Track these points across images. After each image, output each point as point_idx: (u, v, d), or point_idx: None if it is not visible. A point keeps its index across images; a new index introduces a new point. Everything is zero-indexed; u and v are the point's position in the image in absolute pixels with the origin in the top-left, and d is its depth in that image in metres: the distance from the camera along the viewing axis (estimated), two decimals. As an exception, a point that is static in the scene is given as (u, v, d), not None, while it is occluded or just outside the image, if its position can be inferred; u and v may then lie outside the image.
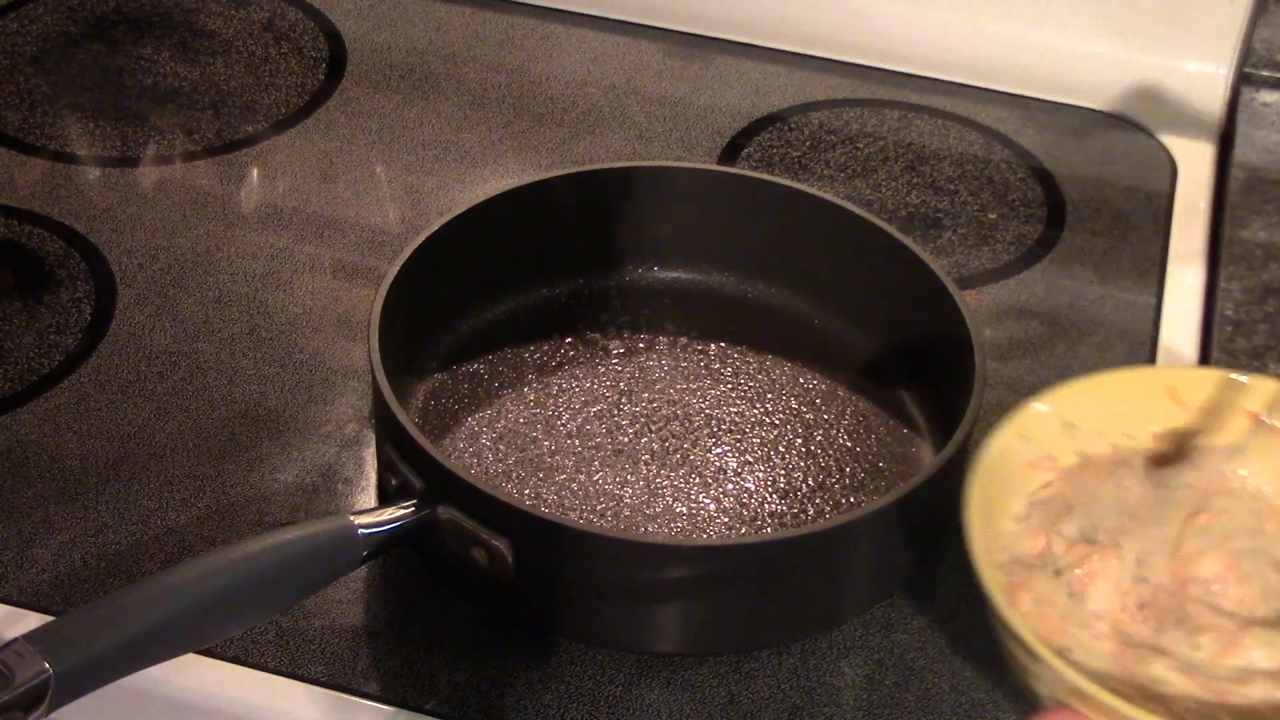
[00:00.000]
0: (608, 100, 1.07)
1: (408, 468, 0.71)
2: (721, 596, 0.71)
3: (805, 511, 0.77)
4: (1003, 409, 0.67)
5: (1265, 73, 1.07)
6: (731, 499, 0.78)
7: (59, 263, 0.91)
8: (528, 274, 0.87)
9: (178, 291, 0.90)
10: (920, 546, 0.73)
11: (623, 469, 0.79)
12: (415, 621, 0.73)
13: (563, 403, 0.82)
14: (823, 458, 0.80)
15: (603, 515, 0.76)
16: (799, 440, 0.81)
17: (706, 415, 0.82)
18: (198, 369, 0.85)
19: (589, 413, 0.82)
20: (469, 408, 0.82)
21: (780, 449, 0.80)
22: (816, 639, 0.73)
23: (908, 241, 0.82)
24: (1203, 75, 1.07)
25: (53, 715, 0.58)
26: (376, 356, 0.73)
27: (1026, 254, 0.96)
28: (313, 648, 0.71)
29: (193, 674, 0.69)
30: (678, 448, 0.80)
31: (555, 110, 1.06)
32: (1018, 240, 0.97)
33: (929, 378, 0.82)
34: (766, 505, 0.77)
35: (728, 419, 0.82)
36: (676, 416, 0.82)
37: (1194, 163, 1.05)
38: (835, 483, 0.79)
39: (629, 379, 0.84)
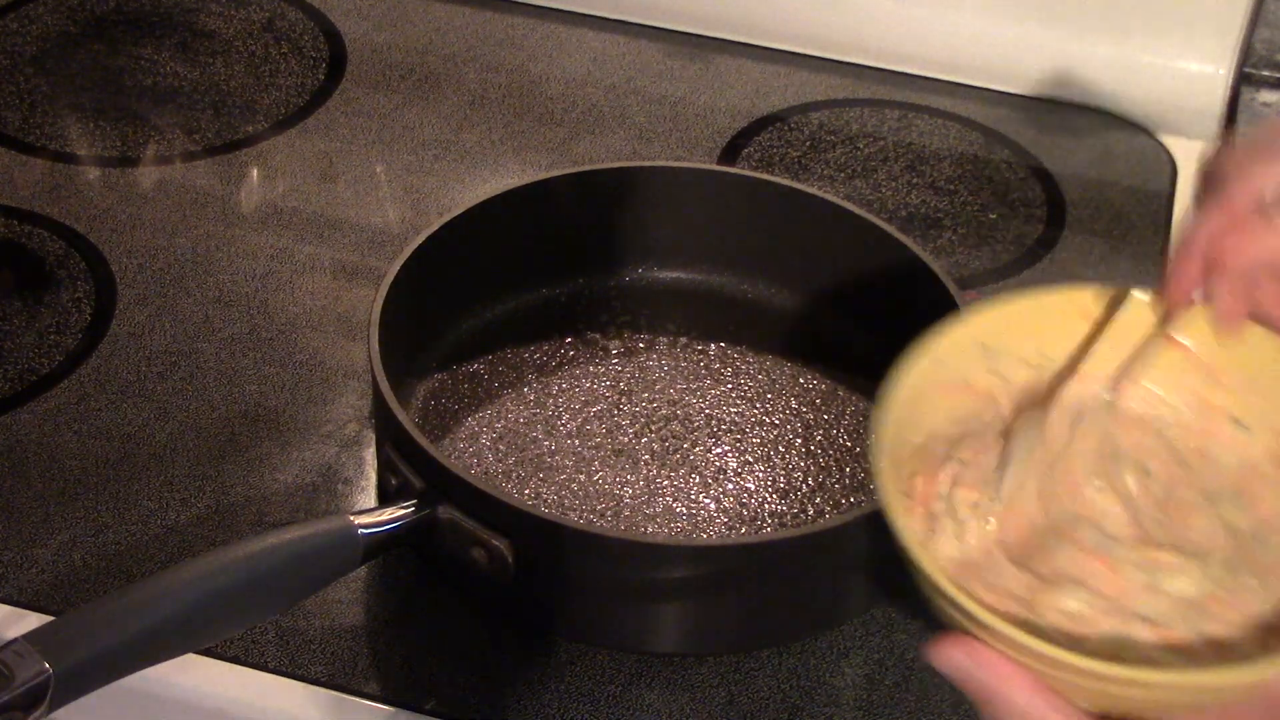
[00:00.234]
0: (608, 100, 1.07)
1: (408, 468, 0.71)
2: (721, 596, 0.71)
3: (805, 511, 0.77)
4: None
5: (1265, 73, 1.07)
6: (731, 499, 0.78)
7: (59, 263, 0.91)
8: (528, 274, 0.87)
9: (178, 291, 0.90)
10: (920, 546, 0.73)
11: (623, 469, 0.79)
12: (415, 621, 0.73)
13: (563, 403, 0.82)
14: (823, 458, 0.80)
15: (603, 515, 0.76)
16: (799, 440, 0.81)
17: (706, 415, 0.82)
18: (198, 369, 0.85)
19: (589, 413, 0.82)
20: (469, 408, 0.82)
21: (780, 449, 0.80)
22: (816, 639, 0.73)
23: (908, 241, 0.82)
24: (1203, 75, 1.07)
25: (53, 715, 0.58)
26: (376, 356, 0.73)
27: (1026, 254, 0.96)
28: (313, 648, 0.71)
29: (193, 674, 0.69)
30: (678, 448, 0.80)
31: (555, 110, 1.06)
32: (1018, 240, 0.97)
33: (929, 378, 0.82)
34: (766, 505, 0.77)
35: (728, 419, 0.82)
36: (676, 416, 0.82)
37: (1194, 163, 1.04)
38: (835, 483, 0.79)
39: (629, 379, 0.84)
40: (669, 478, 0.78)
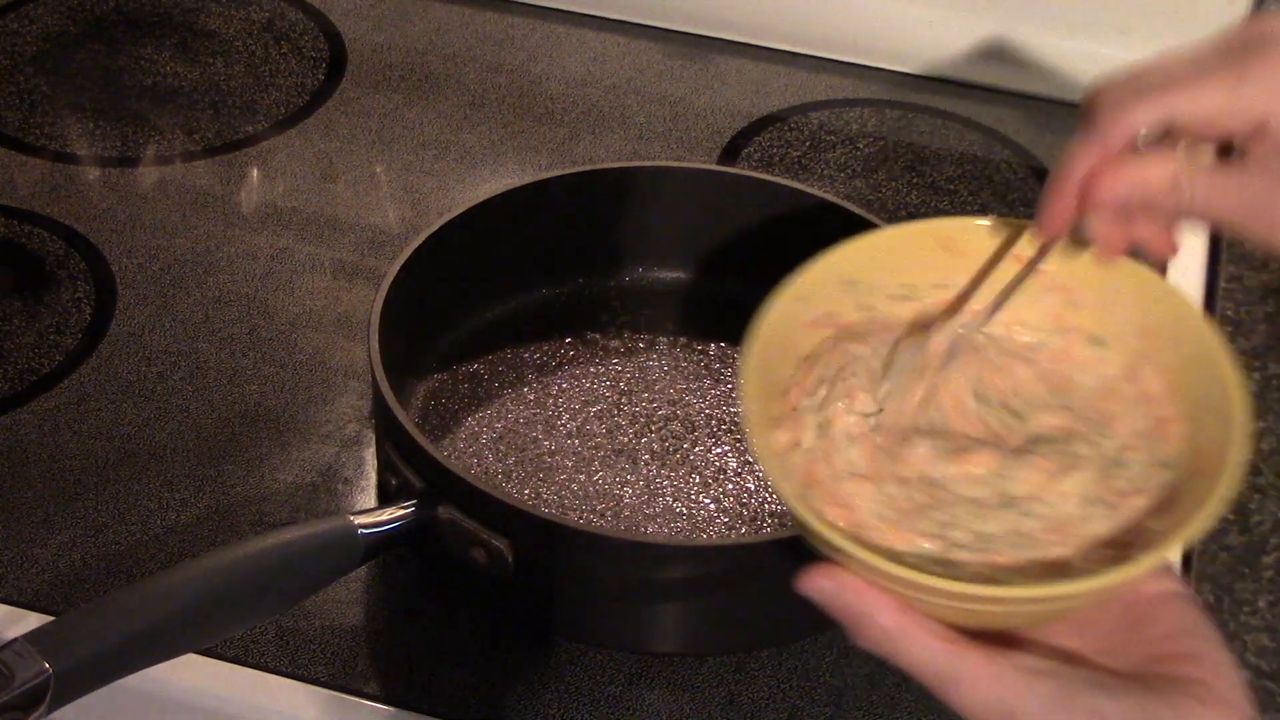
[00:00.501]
0: (608, 100, 1.07)
1: (408, 468, 0.71)
2: (721, 596, 0.71)
3: (805, 511, 0.77)
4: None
5: (1265, 73, 1.06)
6: (731, 499, 0.78)
7: (59, 263, 0.91)
8: (528, 274, 0.87)
9: (178, 291, 0.90)
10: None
11: (623, 469, 0.79)
12: (415, 621, 0.73)
13: (563, 403, 0.82)
14: (823, 458, 0.80)
15: (603, 515, 0.76)
16: (799, 440, 0.81)
17: (706, 415, 0.82)
18: (198, 369, 0.85)
19: (589, 413, 0.82)
20: (469, 408, 0.82)
21: (780, 449, 0.80)
22: (816, 639, 0.73)
23: (908, 241, 0.82)
24: (1203, 75, 1.07)
25: (53, 715, 0.58)
26: (376, 356, 0.73)
27: (1026, 254, 0.96)
28: (313, 648, 0.71)
29: (193, 674, 0.69)
30: (678, 448, 0.80)
31: (555, 110, 1.06)
32: (1018, 240, 0.97)
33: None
34: (766, 505, 0.77)
35: (728, 419, 0.82)
36: (676, 416, 0.82)
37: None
38: (835, 483, 0.79)
39: (629, 379, 0.84)
40: (669, 478, 0.78)
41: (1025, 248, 0.57)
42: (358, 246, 0.94)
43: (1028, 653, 0.48)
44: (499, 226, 0.84)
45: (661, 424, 0.81)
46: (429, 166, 1.00)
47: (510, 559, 0.69)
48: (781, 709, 0.70)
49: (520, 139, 1.03)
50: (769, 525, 0.76)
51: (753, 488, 0.78)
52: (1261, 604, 0.77)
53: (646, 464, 0.79)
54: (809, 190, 0.87)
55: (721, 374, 0.84)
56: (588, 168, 0.89)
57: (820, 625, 0.73)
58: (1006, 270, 0.57)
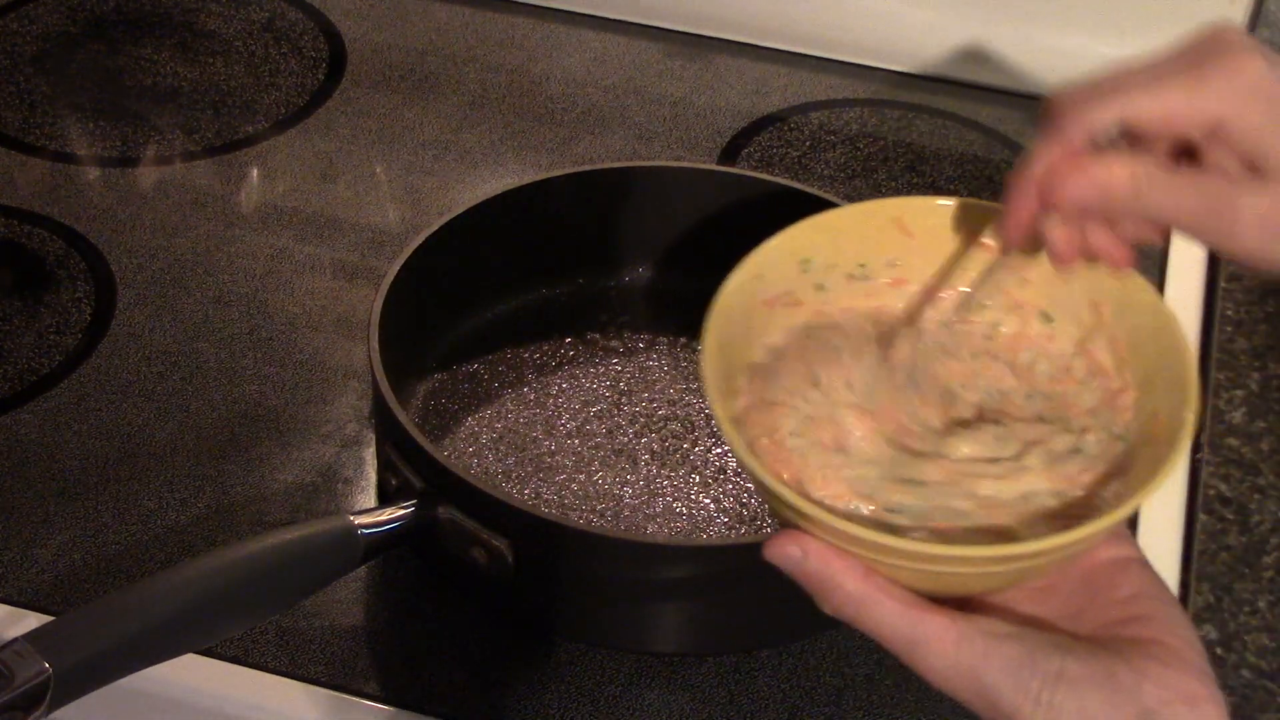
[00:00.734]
0: (608, 100, 1.07)
1: (408, 468, 0.71)
2: (721, 596, 0.71)
3: (805, 511, 0.77)
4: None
5: (1265, 73, 1.06)
6: (731, 499, 0.78)
7: (59, 263, 0.91)
8: (528, 274, 0.87)
9: (178, 291, 0.90)
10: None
11: (623, 469, 0.79)
12: (415, 622, 0.73)
13: (563, 403, 0.82)
14: (823, 458, 0.80)
15: (603, 515, 0.76)
16: (799, 440, 0.81)
17: (706, 415, 0.82)
18: (198, 369, 0.85)
19: (589, 413, 0.82)
20: (469, 408, 0.82)
21: (780, 449, 0.80)
22: (816, 639, 0.73)
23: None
24: (1203, 75, 1.07)
25: (53, 715, 0.58)
26: (376, 356, 0.73)
27: (1026, 254, 0.96)
28: (313, 648, 0.71)
29: (193, 674, 0.69)
30: (678, 448, 0.80)
31: (555, 110, 1.06)
32: (1018, 240, 0.97)
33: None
34: (766, 505, 0.77)
35: (728, 419, 0.82)
36: (676, 416, 0.82)
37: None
38: (835, 483, 0.79)
39: (629, 379, 0.84)
40: (669, 478, 0.78)
41: (973, 225, 0.57)
42: (358, 246, 0.94)
43: (992, 618, 0.49)
44: (499, 226, 0.84)
45: (661, 424, 0.81)
46: (429, 166, 1.00)
47: (510, 559, 0.69)
48: (781, 709, 0.70)
49: (520, 139, 1.03)
50: (769, 525, 0.76)
51: (752, 488, 0.78)
52: (1261, 604, 0.77)
53: (646, 464, 0.79)
54: (809, 190, 0.87)
55: (721, 374, 0.84)
56: (588, 168, 0.89)
57: (820, 625, 0.73)
58: (953, 245, 0.58)
